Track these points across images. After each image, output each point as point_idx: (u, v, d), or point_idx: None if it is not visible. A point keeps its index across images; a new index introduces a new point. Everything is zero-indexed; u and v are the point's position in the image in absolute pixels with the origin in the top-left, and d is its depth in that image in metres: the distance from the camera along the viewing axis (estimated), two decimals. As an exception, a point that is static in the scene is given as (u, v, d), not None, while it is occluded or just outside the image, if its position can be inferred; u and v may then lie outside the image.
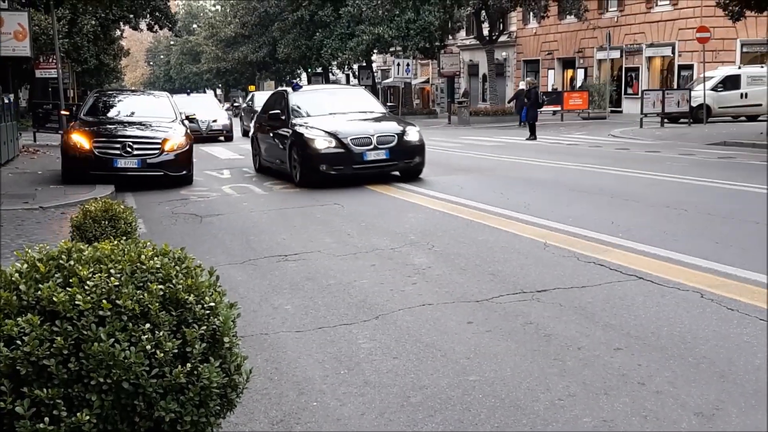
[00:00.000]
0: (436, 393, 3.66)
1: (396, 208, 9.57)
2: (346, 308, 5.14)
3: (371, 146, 11.65)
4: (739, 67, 30.58)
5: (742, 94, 28.75)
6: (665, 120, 26.15)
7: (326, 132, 11.83)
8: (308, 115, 12.74)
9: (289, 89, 14.07)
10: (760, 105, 26.69)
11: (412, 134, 12.19)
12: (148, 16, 36.86)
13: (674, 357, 4.00)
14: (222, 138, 25.91)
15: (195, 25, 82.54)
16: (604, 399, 3.51)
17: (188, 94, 32.98)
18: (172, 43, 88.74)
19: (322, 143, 11.66)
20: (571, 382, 3.72)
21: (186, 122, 14.22)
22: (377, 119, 12.94)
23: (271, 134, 13.35)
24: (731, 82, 28.65)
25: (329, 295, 5.50)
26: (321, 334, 4.61)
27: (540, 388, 3.67)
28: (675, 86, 33.28)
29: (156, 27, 38.77)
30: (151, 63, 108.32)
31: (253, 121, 15.83)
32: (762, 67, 29.27)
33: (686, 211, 8.49)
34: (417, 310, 5.03)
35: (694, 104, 27.28)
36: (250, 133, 15.70)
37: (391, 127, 12.41)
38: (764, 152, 16.15)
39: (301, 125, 12.23)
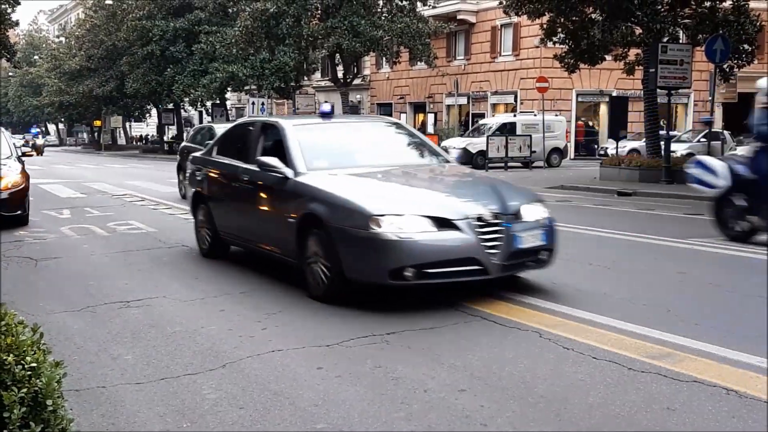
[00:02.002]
0: (282, 444, 3.58)
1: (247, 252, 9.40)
2: (191, 356, 4.96)
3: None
4: (514, 115, 32.40)
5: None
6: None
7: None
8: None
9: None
10: (535, 152, 28.54)
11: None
12: (-17, 45, 34.68)
13: (514, 397, 4.13)
14: None
15: (36, 57, 78.54)
16: (449, 442, 3.57)
17: None
18: (10, 74, 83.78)
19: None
20: (417, 425, 3.76)
21: (23, 159, 13.38)
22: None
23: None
24: (508, 130, 29.76)
25: (173, 343, 5.28)
26: (163, 386, 4.41)
27: (387, 433, 3.68)
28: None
29: (-8, 57, 36.49)
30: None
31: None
32: (535, 114, 31.24)
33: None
34: (266, 356, 4.93)
35: (473, 151, 28.80)
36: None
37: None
38: (597, 195, 17.34)
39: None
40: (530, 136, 28.62)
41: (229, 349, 5.09)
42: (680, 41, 21.57)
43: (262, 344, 5.20)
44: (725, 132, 30.47)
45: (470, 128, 34.82)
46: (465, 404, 4.03)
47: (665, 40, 20.08)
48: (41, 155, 50.58)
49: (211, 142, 10.18)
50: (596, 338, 5.17)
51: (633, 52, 22.34)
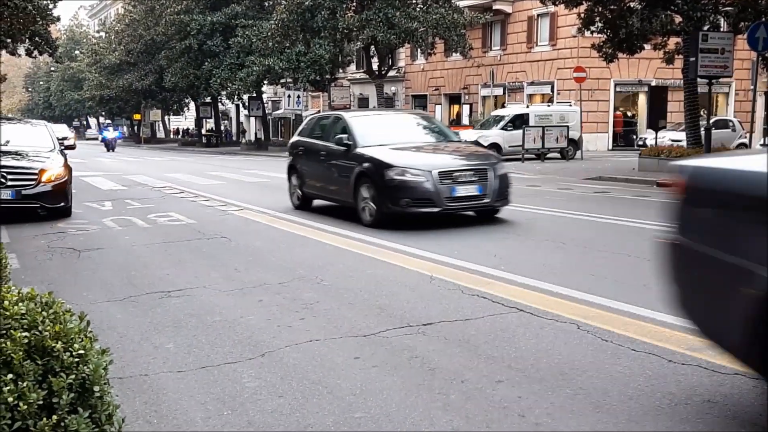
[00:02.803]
0: (321, 432, 3.62)
1: (285, 242, 9.49)
2: (231, 346, 5.03)
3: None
4: (527, 106, 31.49)
5: None
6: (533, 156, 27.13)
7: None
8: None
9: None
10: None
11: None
12: (27, 40, 35.30)
13: (553, 388, 4.12)
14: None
15: (77, 51, 79.84)
16: (487, 432, 3.57)
17: None
18: (52, 69, 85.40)
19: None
20: (454, 416, 3.77)
21: (65, 152, 13.65)
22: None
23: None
24: (520, 121, 28.86)
25: (214, 332, 5.36)
26: (204, 374, 4.48)
27: (424, 422, 3.70)
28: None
29: (35, 52, 37.21)
30: (30, 89, 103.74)
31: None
32: (548, 105, 30.39)
33: (564, 244, 8.84)
34: (304, 346, 4.98)
35: (485, 143, 28.17)
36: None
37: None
38: (636, 186, 17.11)
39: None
40: (567, 126, 28.12)
41: (267, 339, 5.15)
42: (721, 29, 21.15)
43: (300, 334, 5.25)
44: (734, 120, 29.36)
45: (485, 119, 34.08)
46: (502, 395, 4.03)
47: (706, 28, 19.71)
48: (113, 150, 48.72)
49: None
50: (636, 330, 5.13)
51: (672, 41, 21.97)
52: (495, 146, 28.05)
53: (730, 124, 26.15)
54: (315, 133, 13.12)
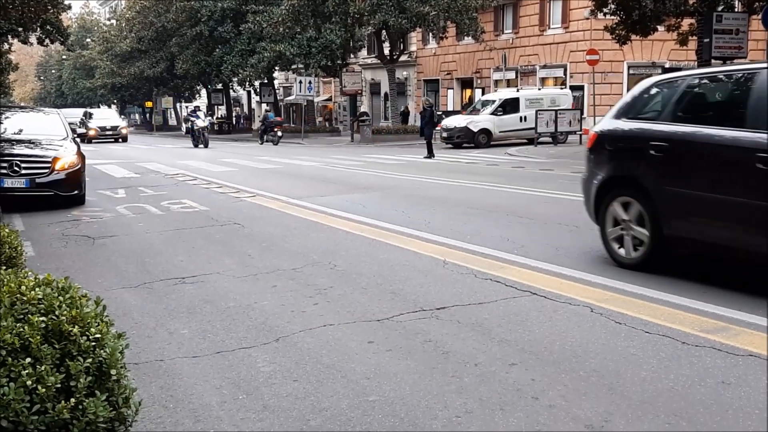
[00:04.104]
0: (335, 415, 3.64)
1: (298, 228, 9.52)
2: (245, 331, 5.06)
3: None
4: (518, 90, 31.20)
5: (521, 118, 28.70)
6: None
7: None
8: None
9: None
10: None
11: None
12: (38, 29, 35.38)
13: (566, 371, 4.13)
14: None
15: (89, 39, 79.92)
16: (500, 415, 3.59)
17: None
18: (64, 57, 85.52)
19: None
20: (468, 399, 3.79)
21: (78, 140, 13.71)
22: None
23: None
24: (511, 106, 28.71)
25: (228, 318, 5.40)
26: (219, 359, 4.52)
27: (438, 405, 3.72)
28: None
29: (47, 41, 37.29)
30: (42, 78, 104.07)
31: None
32: (539, 89, 30.07)
33: (578, 227, 8.81)
34: (318, 331, 5.00)
35: (475, 129, 27.82)
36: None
37: None
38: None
39: None
40: (580, 110, 27.96)
41: (281, 324, 5.18)
42: (735, 10, 20.91)
43: (313, 319, 5.28)
44: None
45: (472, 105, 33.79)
46: (516, 378, 4.04)
47: (720, 8, 19.51)
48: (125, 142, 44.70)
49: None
50: (648, 312, 5.12)
51: (686, 22, 21.77)
52: (485, 132, 27.85)
53: None
54: (685, 112, 6.46)
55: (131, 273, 7.03)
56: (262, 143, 37.53)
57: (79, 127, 41.11)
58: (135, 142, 44.28)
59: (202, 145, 33.35)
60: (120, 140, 42.41)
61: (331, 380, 4.10)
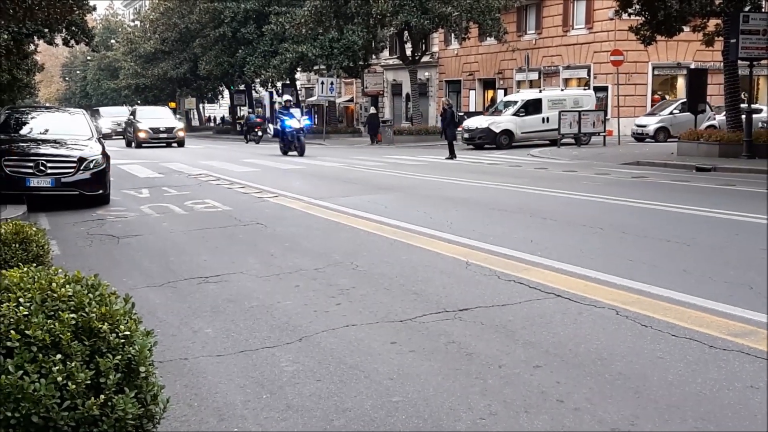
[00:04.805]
0: (359, 415, 3.64)
1: (320, 228, 9.54)
2: (268, 331, 5.08)
3: None
4: (540, 91, 30.97)
5: (543, 119, 28.44)
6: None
7: None
8: None
9: None
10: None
11: None
12: (64, 30, 35.75)
13: (591, 374, 4.09)
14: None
15: (113, 41, 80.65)
16: (525, 417, 3.57)
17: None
18: (89, 58, 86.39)
19: None
20: (492, 400, 3.77)
21: (102, 140, 13.83)
22: None
23: None
24: (533, 107, 28.48)
25: (251, 317, 5.42)
26: (243, 358, 4.53)
27: (462, 407, 3.70)
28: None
29: (72, 42, 37.65)
30: (67, 78, 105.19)
31: None
32: (562, 90, 29.83)
33: (602, 229, 8.76)
34: (341, 331, 5.01)
35: (496, 130, 27.62)
36: None
37: None
38: (674, 171, 16.86)
39: None
40: (604, 111, 27.76)
41: (305, 324, 5.19)
42: (763, 10, 20.65)
43: (336, 319, 5.28)
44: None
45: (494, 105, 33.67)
46: (540, 380, 4.02)
47: (747, 8, 19.27)
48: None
49: None
50: (675, 315, 5.06)
51: (712, 23, 21.52)
52: (507, 133, 27.72)
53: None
54: None
55: (156, 272, 7.07)
56: (247, 142, 40.02)
57: (126, 128, 37.37)
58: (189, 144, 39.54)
59: (295, 152, 25.52)
60: (175, 144, 35.26)
61: (355, 380, 4.10)
